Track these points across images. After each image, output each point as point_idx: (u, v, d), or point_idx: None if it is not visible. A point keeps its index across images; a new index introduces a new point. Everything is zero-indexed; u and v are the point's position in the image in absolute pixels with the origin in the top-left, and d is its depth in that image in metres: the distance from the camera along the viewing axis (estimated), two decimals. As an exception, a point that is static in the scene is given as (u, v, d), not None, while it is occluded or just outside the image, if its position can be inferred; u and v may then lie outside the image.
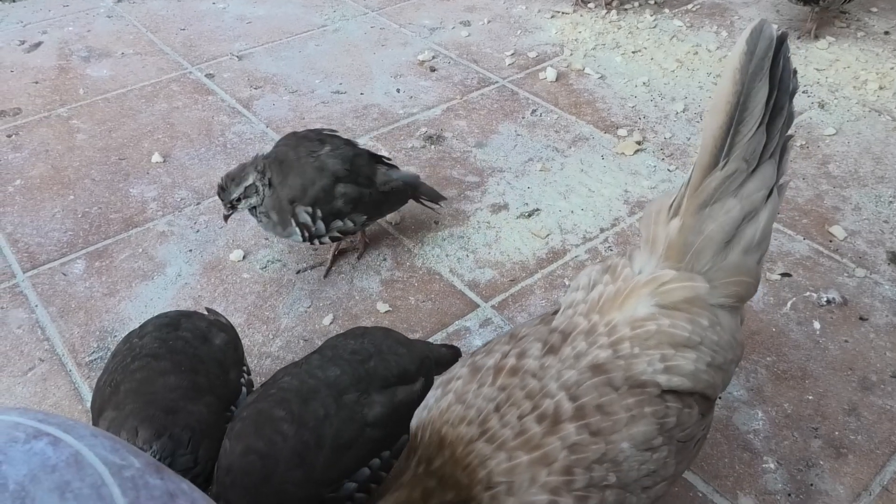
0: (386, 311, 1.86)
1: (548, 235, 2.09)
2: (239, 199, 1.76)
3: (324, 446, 1.17)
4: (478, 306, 1.88)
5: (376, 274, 1.97)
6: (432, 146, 2.45)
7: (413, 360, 1.37)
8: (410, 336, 1.79)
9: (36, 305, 1.87)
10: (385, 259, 2.02)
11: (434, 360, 1.47)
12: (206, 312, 1.51)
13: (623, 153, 2.40)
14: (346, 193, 1.81)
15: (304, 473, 1.14)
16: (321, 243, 1.86)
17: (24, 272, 1.98)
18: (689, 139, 2.46)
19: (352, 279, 1.95)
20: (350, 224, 1.85)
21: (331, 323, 1.83)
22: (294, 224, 1.79)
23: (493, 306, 1.88)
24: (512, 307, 1.88)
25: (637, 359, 1.05)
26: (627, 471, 1.01)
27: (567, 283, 1.94)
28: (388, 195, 1.91)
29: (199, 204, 2.20)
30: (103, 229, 2.12)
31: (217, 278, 1.95)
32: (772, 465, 1.50)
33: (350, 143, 1.90)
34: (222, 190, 1.75)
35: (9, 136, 2.52)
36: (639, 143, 2.44)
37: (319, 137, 1.87)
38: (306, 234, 1.80)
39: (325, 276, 1.95)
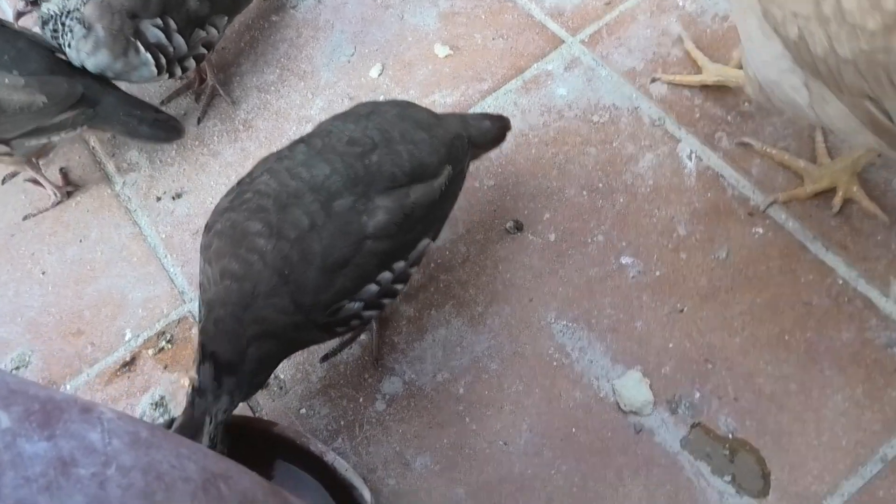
0: (446, 56, 1.50)
1: (656, -65, 1.57)
2: None
3: (312, 263, 0.93)
4: (562, 42, 1.48)
5: (433, 6, 1.57)
6: None
7: (435, 149, 1.05)
8: (477, 87, 1.45)
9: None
10: (443, -15, 1.59)
11: (470, 139, 1.15)
12: None
13: None
14: None
15: (290, 297, 0.93)
16: (184, 70, 1.37)
17: (28, 29, 1.70)
18: None
19: (402, 15, 1.56)
20: (214, 32, 1.36)
21: (379, 74, 1.50)
22: (142, 50, 1.27)
23: (582, 41, 1.48)
24: (607, 41, 1.47)
25: None
26: None
27: (682, 4, 1.48)
28: None
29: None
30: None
31: (241, 24, 1.61)
32: (942, 243, 1.17)
33: None
34: None
35: None
36: None
37: None
38: (163, 60, 1.31)
39: (200, 122, 1.48)
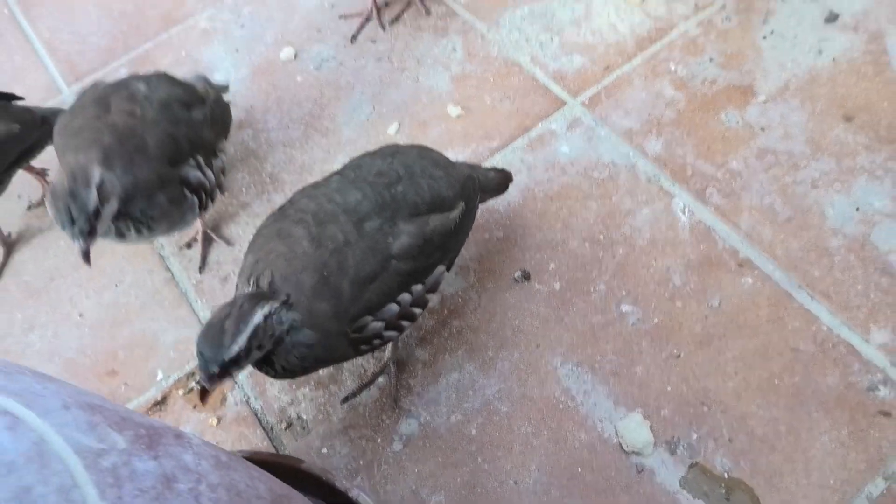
0: (458, 116, 1.61)
1: (649, 4, 1.70)
2: (99, 210, 1.12)
3: (347, 274, 1.05)
4: (564, 103, 1.60)
5: (445, 69, 1.69)
6: None
7: (451, 185, 1.18)
8: (487, 145, 1.56)
9: (83, 125, 1.74)
10: (455, 49, 1.72)
11: (479, 182, 1.27)
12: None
13: None
14: (201, 118, 1.32)
15: (333, 300, 1.04)
16: (212, 202, 1.37)
17: (68, 85, 1.82)
18: None
19: (417, 77, 1.69)
20: (223, 158, 1.41)
21: (396, 132, 1.61)
22: (189, 194, 1.27)
23: (582, 103, 1.60)
24: (605, 103, 1.59)
25: None
26: None
27: (674, 69, 1.61)
28: (223, 107, 1.46)
29: (239, -8, 1.91)
30: (142, 29, 1.89)
31: (268, 83, 1.73)
32: (918, 294, 1.27)
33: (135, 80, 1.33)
34: (73, 199, 1.09)
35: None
36: None
37: (109, 92, 1.28)
38: (203, 196, 1.31)
39: (202, 271, 1.49)
